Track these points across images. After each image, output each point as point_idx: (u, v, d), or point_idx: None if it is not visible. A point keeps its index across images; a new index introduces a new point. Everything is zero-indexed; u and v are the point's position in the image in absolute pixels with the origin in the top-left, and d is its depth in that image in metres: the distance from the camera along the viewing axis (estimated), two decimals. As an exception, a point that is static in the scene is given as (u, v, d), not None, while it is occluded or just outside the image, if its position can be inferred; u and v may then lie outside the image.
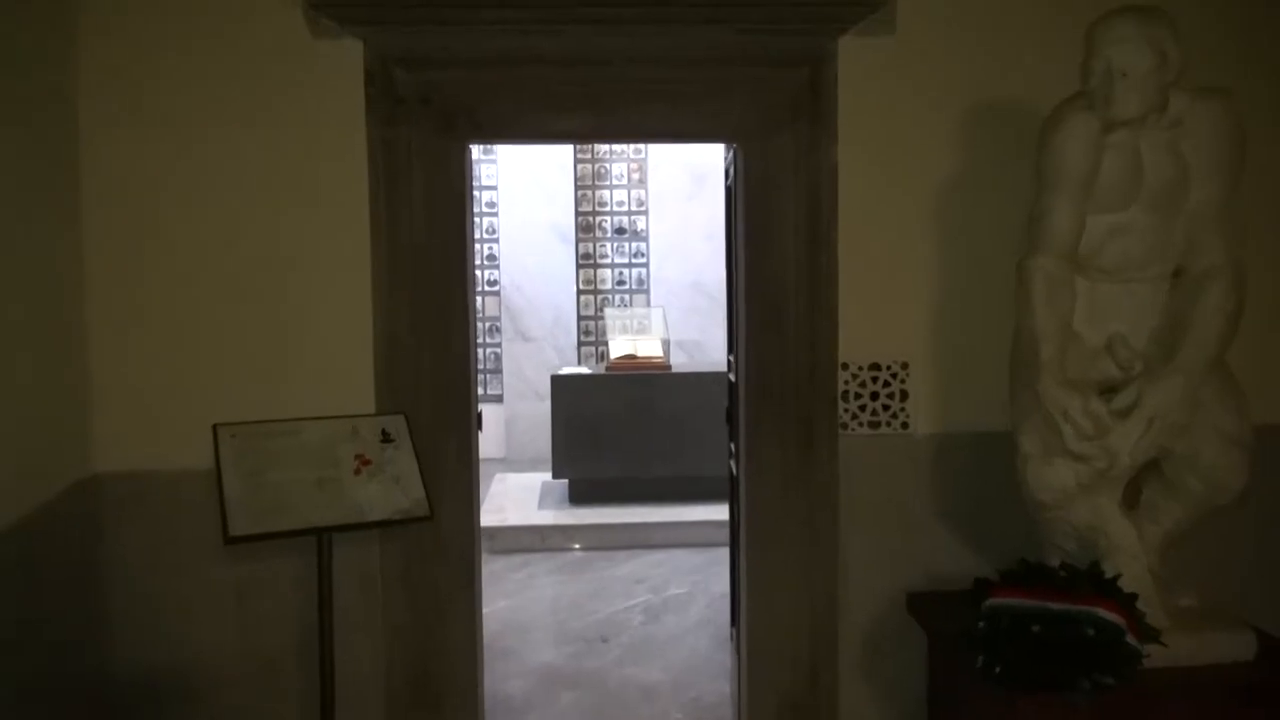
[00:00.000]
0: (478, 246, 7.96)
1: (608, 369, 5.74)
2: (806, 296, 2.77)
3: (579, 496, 5.70)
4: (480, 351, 8.09)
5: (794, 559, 2.83)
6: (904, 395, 2.78)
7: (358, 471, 2.20)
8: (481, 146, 7.95)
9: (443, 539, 2.73)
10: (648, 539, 5.31)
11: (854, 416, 2.77)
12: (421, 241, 2.70)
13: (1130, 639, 2.07)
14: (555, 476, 5.72)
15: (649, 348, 5.82)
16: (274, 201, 2.58)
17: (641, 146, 8.08)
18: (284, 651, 2.64)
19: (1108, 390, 2.25)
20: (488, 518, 5.45)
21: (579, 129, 3.05)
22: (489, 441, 8.08)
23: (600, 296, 8.12)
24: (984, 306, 2.71)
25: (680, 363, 6.62)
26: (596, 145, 8.08)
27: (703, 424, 5.59)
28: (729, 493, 3.54)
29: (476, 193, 7.99)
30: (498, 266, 8.00)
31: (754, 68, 2.72)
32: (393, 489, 2.20)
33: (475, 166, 8.12)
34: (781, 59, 2.71)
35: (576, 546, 5.30)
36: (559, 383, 5.63)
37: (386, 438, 2.30)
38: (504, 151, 7.83)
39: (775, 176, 2.78)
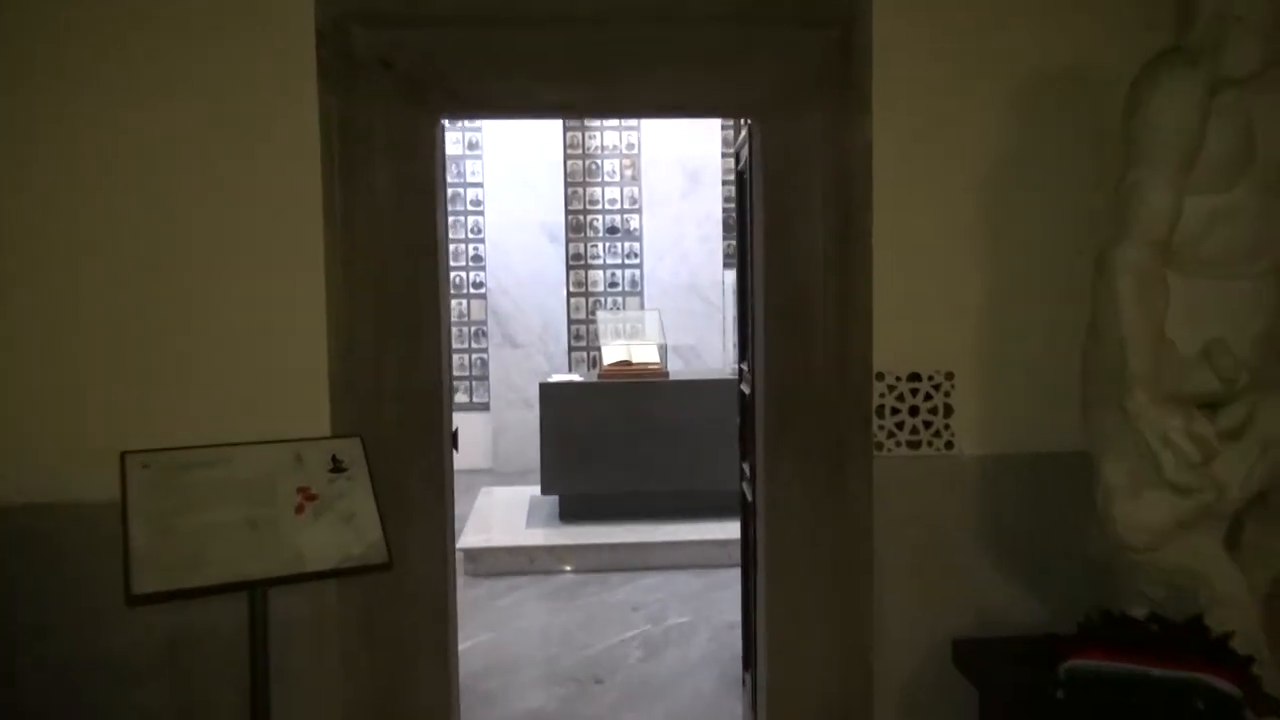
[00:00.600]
0: (462, 247, 7.57)
1: (600, 376, 5.34)
2: (835, 296, 2.38)
3: (570, 513, 5.30)
4: (465, 358, 7.69)
5: (820, 598, 2.44)
6: (948, 410, 2.39)
7: (300, 509, 1.80)
8: (467, 142, 7.55)
9: (411, 581, 2.33)
10: (644, 560, 4.91)
11: (890, 435, 2.38)
12: (386, 232, 2.30)
13: (1249, 715, 1.69)
14: (544, 492, 5.32)
15: (644, 354, 5.43)
16: (204, 184, 2.16)
17: (634, 141, 7.69)
18: (230, 713, 2.23)
19: (1205, 407, 1.87)
20: (471, 537, 5.05)
21: (570, 100, 2.64)
22: (475, 452, 7.69)
23: (592, 299, 7.72)
24: (1043, 307, 2.32)
25: (677, 369, 6.24)
26: (588, 141, 7.69)
27: (703, 436, 5.21)
28: (742, 518, 3.16)
29: (460, 190, 7.61)
30: (483, 268, 7.60)
31: (774, 27, 2.32)
32: (343, 531, 1.79)
33: (460, 163, 7.76)
34: (806, 17, 2.32)
35: (567, 569, 4.90)
36: (548, 392, 5.23)
37: (338, 466, 1.89)
38: (490, 145, 7.43)
39: (798, 156, 2.39)
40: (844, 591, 2.42)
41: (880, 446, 2.37)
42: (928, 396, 2.39)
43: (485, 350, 7.63)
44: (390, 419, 2.27)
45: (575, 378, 5.46)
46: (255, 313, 2.18)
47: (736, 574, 4.87)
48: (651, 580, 4.75)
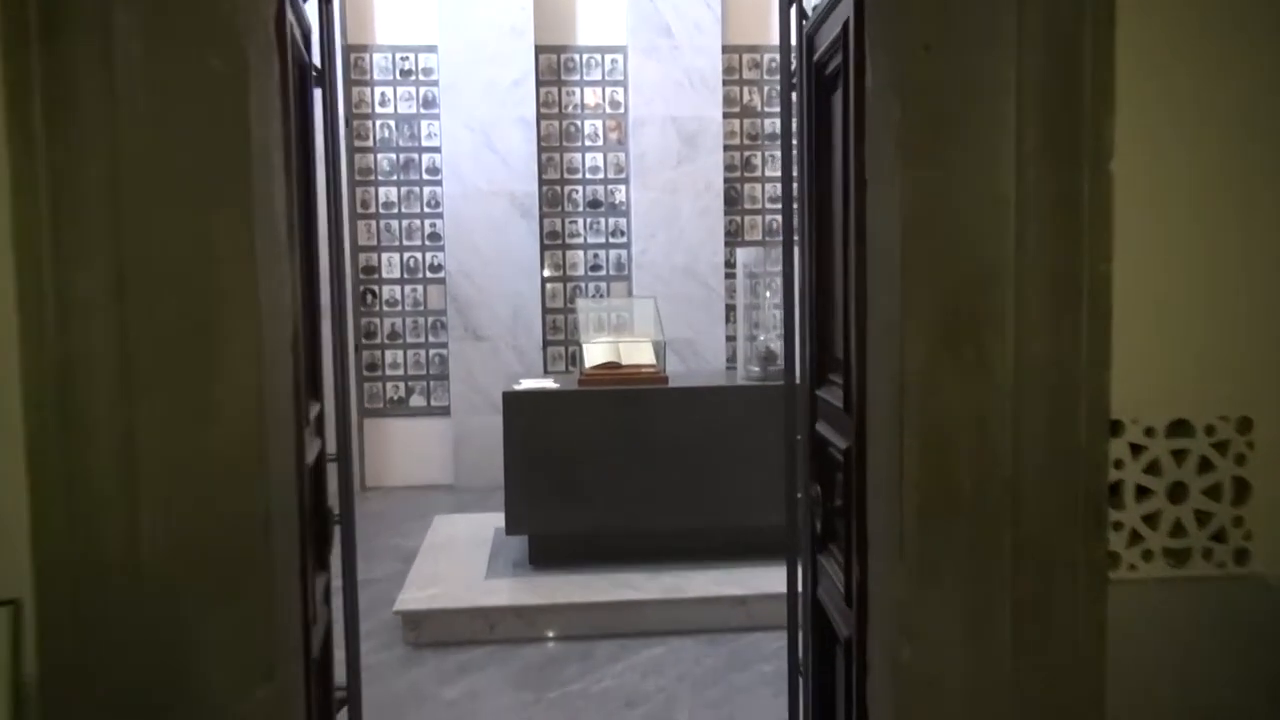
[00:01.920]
0: (417, 224, 6.39)
1: (580, 383, 4.20)
2: (1039, 286, 1.25)
3: (543, 558, 4.17)
4: (421, 354, 6.52)
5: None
6: (1241, 490, 1.28)
7: None
8: (421, 98, 6.37)
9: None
10: (640, 622, 3.80)
11: (1136, 539, 1.26)
12: (151, 146, 1.15)
13: None
14: (511, 532, 4.18)
15: (636, 353, 4.29)
16: None
17: (620, 97, 6.53)
18: None
19: None
20: (414, 594, 3.90)
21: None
22: (432, 466, 6.56)
23: (571, 285, 6.57)
24: None
25: (676, 372, 5.10)
26: (565, 98, 6.52)
27: (713, 458, 4.09)
28: (805, 642, 2.04)
29: (414, 156, 6.43)
30: (441, 248, 6.42)
31: None
32: None
33: (413, 123, 6.58)
34: None
35: (545, 635, 3.77)
36: (514, 404, 4.08)
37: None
38: (449, 103, 6.24)
39: (968, 22, 1.25)
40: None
41: (1118, 560, 1.26)
42: (1205, 466, 1.27)
43: (445, 345, 6.46)
44: (155, 533, 1.12)
45: (548, 384, 4.31)
46: None
47: (760, 643, 3.84)
48: (651, 653, 3.63)
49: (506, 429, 4.07)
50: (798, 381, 2.22)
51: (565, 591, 3.90)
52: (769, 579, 3.82)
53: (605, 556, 4.13)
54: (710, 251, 6.47)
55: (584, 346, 4.34)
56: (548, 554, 4.17)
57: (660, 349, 4.35)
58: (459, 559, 4.32)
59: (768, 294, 4.37)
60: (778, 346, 4.34)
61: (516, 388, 4.20)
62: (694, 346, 6.44)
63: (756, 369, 4.31)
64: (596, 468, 4.07)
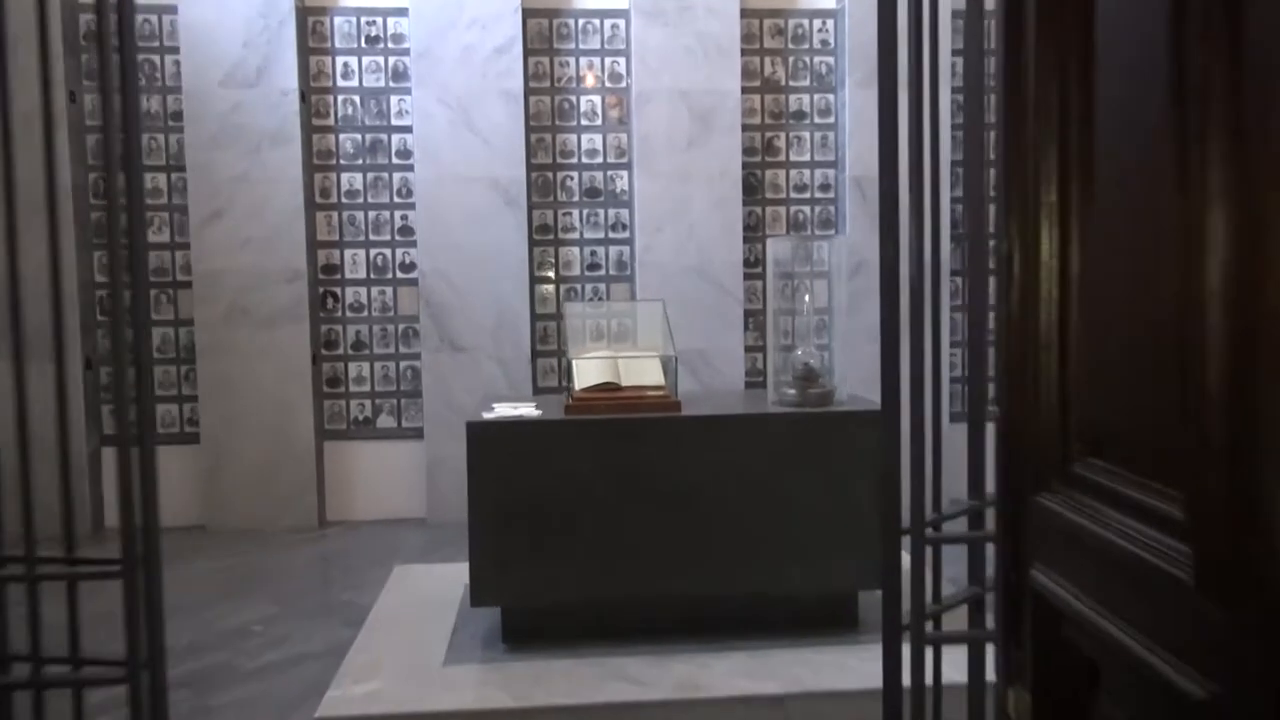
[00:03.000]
0: (386, 216, 5.51)
1: (568, 410, 3.28)
2: None
3: (520, 635, 3.25)
4: (390, 367, 5.61)
5: None
6: None
7: None
8: (391, 69, 5.48)
9: None
10: (643, 728, 2.88)
11: None
12: None
13: None
14: (477, 602, 3.25)
15: (640, 371, 3.38)
16: None
17: (622, 69, 5.62)
18: None
19: None
20: (346, 690, 2.98)
21: None
22: (400, 497, 5.63)
23: (565, 287, 5.66)
24: None
25: (686, 391, 4.19)
26: (559, 70, 5.61)
27: (737, 507, 3.17)
28: None
29: (382, 137, 5.54)
30: (413, 243, 5.51)
31: None
32: None
33: (381, 99, 5.64)
34: None
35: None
36: (482, 437, 3.16)
37: None
38: (421, 74, 5.34)
39: None
40: None
41: None
42: None
43: (417, 357, 5.55)
44: None
45: (529, 410, 3.38)
46: None
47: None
48: (656, 777, 2.72)
49: (472, 470, 3.15)
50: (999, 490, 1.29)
51: (546, 686, 2.98)
52: (812, 667, 2.90)
53: (599, 635, 3.21)
54: (726, 249, 5.55)
55: (574, 363, 3.42)
56: (526, 630, 3.25)
57: (670, 366, 3.44)
58: (413, 634, 3.40)
59: (806, 298, 3.45)
60: (818, 362, 3.41)
61: (487, 415, 3.28)
62: (707, 358, 5.52)
63: (792, 392, 3.39)
64: (588, 521, 3.16)
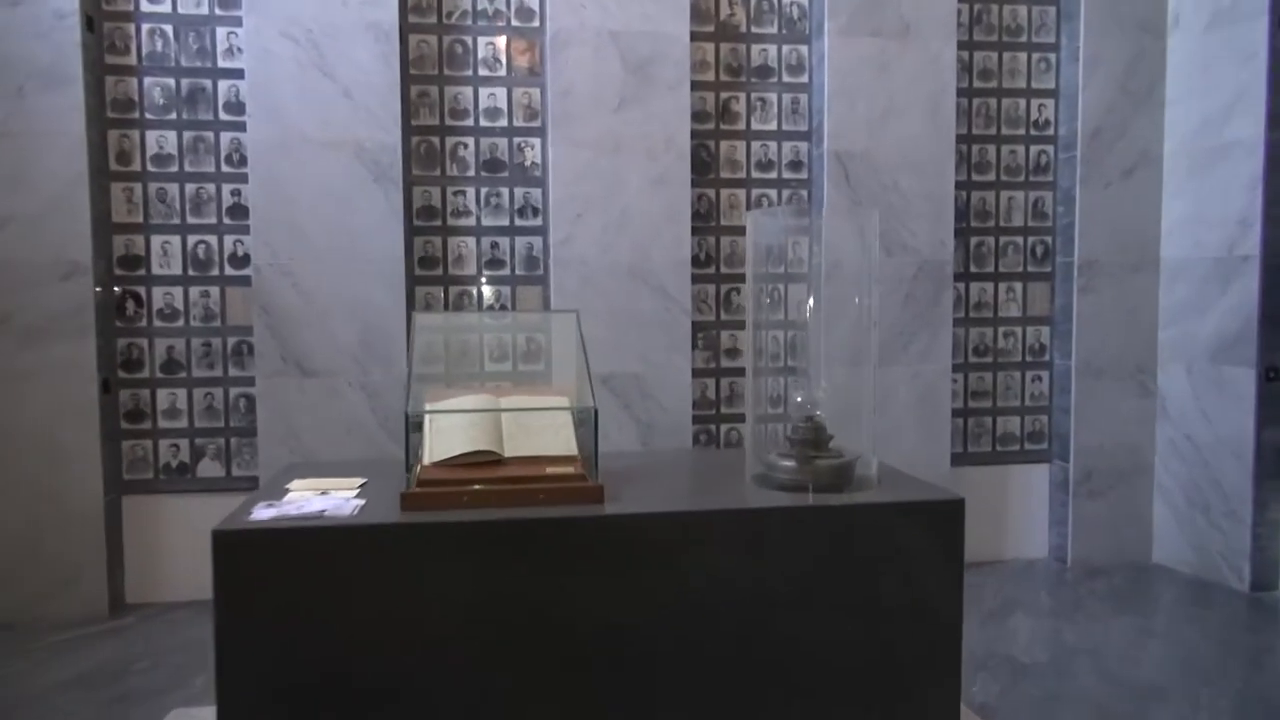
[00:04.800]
0: (208, 190, 4.08)
1: (406, 504, 1.88)
2: None
3: None
4: (217, 394, 4.15)
5: None
6: None
7: None
8: (206, -18, 4.04)
9: None
10: None
11: None
12: None
13: None
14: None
15: (537, 433, 2.01)
16: None
17: (534, 6, 4.26)
18: None
19: None
20: None
21: None
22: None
23: (456, 289, 4.27)
24: None
25: (613, 456, 2.81)
26: (448, 1, 4.23)
27: (705, 676, 1.83)
28: None
29: (203, 84, 4.09)
30: (246, 228, 4.06)
31: None
32: None
33: (201, 30, 3.87)
34: None
35: None
36: (238, 560, 1.75)
37: None
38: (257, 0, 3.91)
39: None
40: None
41: None
42: None
43: (252, 382, 4.10)
44: None
45: (343, 500, 1.98)
46: None
47: None
48: None
49: (221, 618, 1.74)
50: None
51: None
52: None
53: None
54: (670, 242, 4.22)
55: (426, 419, 2.03)
56: None
57: (584, 423, 2.07)
58: None
59: (809, 305, 2.14)
60: (825, 411, 2.09)
61: (259, 514, 1.87)
62: (643, 386, 4.18)
63: (789, 463, 2.06)
64: (440, 704, 1.78)
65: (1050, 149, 4.66)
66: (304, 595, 1.77)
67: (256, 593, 1.75)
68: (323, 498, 1.96)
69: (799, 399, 2.10)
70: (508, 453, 1.98)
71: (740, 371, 4.45)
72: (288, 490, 2.05)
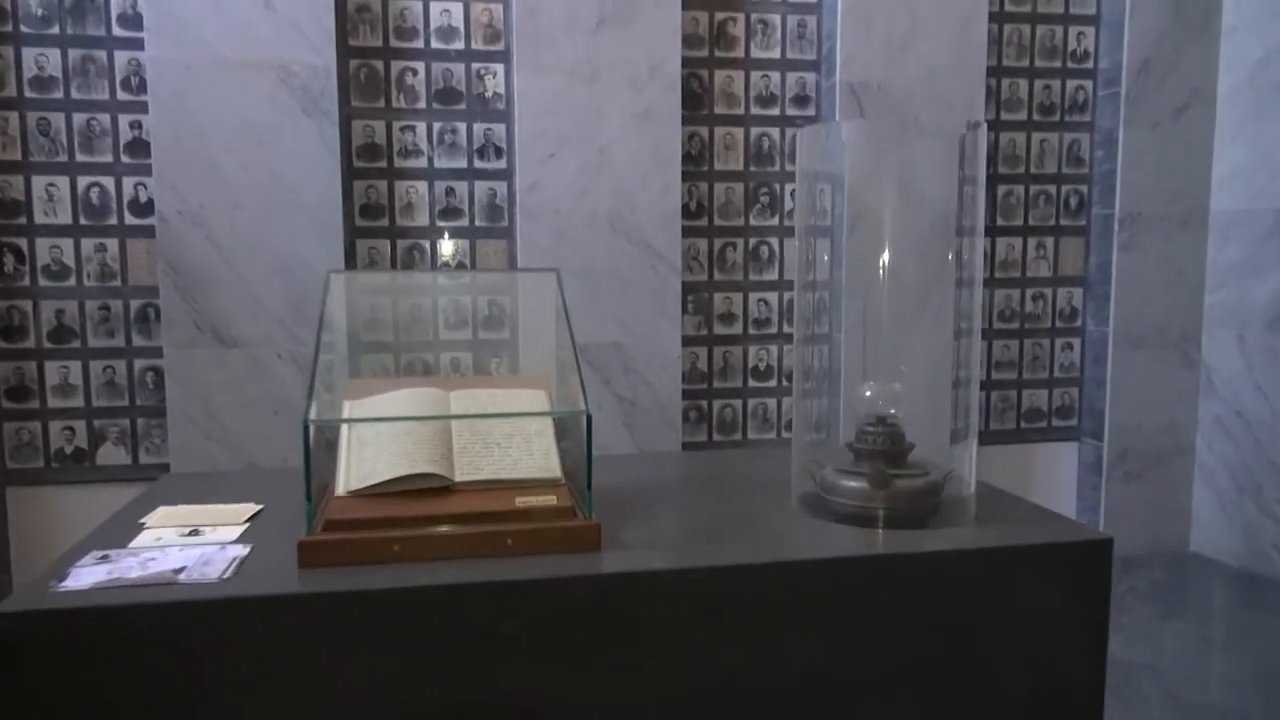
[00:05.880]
0: (100, 122, 3.39)
1: (306, 556, 1.29)
2: None
3: None
4: (117, 369, 3.49)
5: None
6: None
7: None
8: None
9: None
10: None
11: None
12: None
13: None
14: None
15: (507, 449, 1.42)
16: None
17: (495, -102, 3.57)
18: None
19: None
20: None
21: None
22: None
23: (407, 243, 3.62)
24: None
25: (612, 439, 2.20)
26: (391, -105, 3.53)
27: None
28: None
29: (79, -21, 3.36)
30: (149, 169, 3.37)
31: None
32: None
33: None
34: None
35: None
36: (28, 654, 1.16)
37: None
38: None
39: None
40: None
41: None
42: None
43: (159, 353, 3.44)
44: None
45: (204, 558, 1.38)
46: None
47: None
48: None
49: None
50: None
51: None
52: None
53: None
54: (657, 188, 3.59)
55: (344, 429, 1.42)
56: None
57: (577, 430, 1.48)
58: None
59: (884, 259, 1.55)
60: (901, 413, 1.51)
61: (69, 582, 1.25)
62: (626, 357, 3.58)
63: (855, 483, 1.47)
64: None
65: (1089, 84, 4.07)
66: (142, 712, 1.15)
67: (64, 713, 1.14)
68: (187, 542, 1.34)
69: (867, 393, 1.51)
70: (460, 476, 1.37)
71: (735, 340, 3.86)
72: (143, 526, 1.43)
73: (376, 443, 1.39)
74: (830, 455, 1.58)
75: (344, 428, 1.41)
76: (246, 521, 1.45)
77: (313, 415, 1.28)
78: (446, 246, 3.64)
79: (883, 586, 1.33)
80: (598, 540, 1.32)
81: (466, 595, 1.22)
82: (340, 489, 1.34)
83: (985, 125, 1.54)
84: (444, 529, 1.29)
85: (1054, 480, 4.21)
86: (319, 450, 1.37)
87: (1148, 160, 3.95)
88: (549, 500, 1.34)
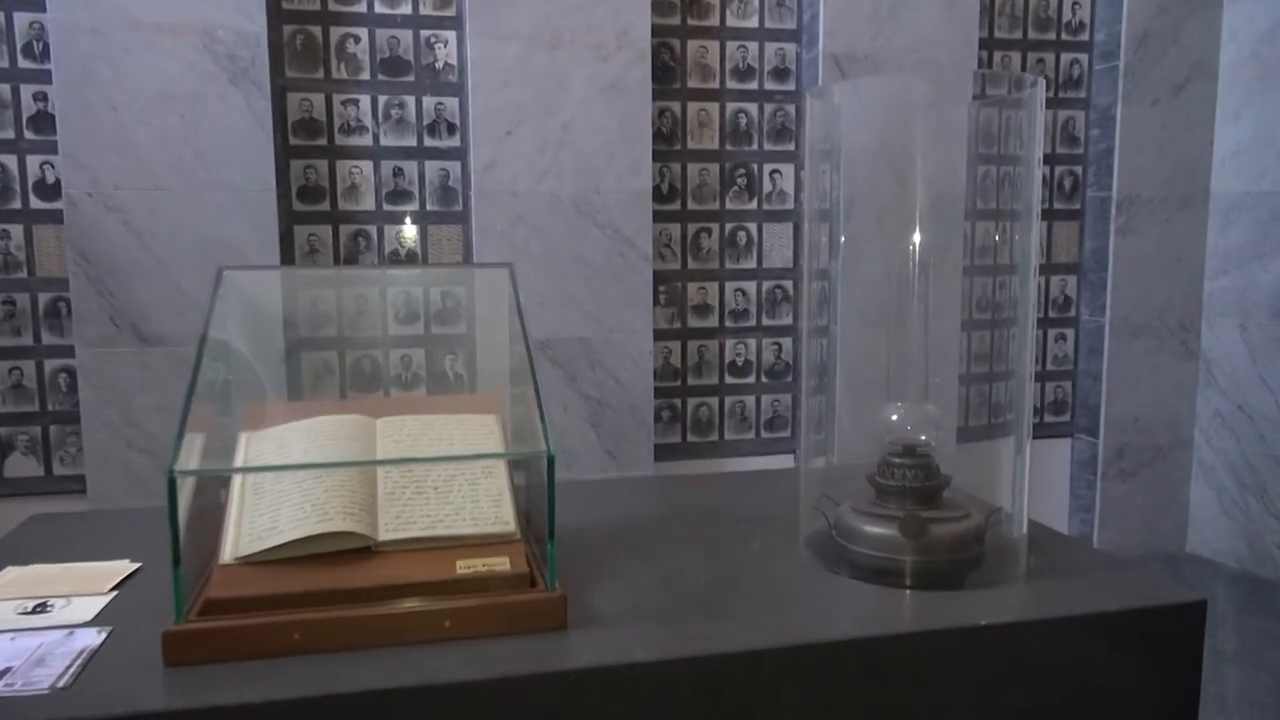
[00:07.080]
0: (1, 92, 2.97)
1: (172, 651, 0.98)
2: None
3: None
4: (25, 370, 3.13)
5: None
6: None
7: None
8: None
9: None
10: None
11: None
12: None
13: None
14: None
15: (448, 492, 1.13)
16: None
17: None
18: None
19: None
20: None
21: None
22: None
23: (350, 229, 3.29)
24: None
25: (563, 484, 1.91)
26: None
27: None
28: None
29: (-34, -71, 2.95)
30: (54, 146, 3.00)
31: None
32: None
33: None
34: None
35: None
36: None
37: None
38: None
39: None
40: None
41: None
42: None
43: (72, 352, 3.09)
44: None
45: (42, 652, 1.08)
46: None
47: None
48: None
49: None
50: None
51: None
52: None
53: None
54: (626, 167, 3.28)
55: (235, 482, 1.11)
56: None
57: (536, 472, 1.18)
58: None
59: (916, 238, 1.27)
60: (934, 441, 1.23)
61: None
62: (593, 353, 3.28)
63: (881, 529, 1.19)
64: None
65: (1084, 58, 3.82)
66: None
67: None
68: (27, 624, 1.03)
69: (894, 416, 1.22)
70: (384, 535, 1.07)
71: (710, 334, 3.58)
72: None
73: (276, 489, 1.08)
74: (842, 481, 1.30)
75: (240, 479, 1.10)
76: (113, 590, 1.13)
77: (179, 464, 0.97)
78: (409, 231, 3.31)
79: (926, 668, 1.05)
80: (563, 617, 1.03)
81: (391, 704, 0.92)
82: (226, 555, 1.03)
83: (1043, 83, 1.26)
84: (362, 609, 0.99)
85: (1046, 479, 3.98)
86: (200, 503, 1.06)
87: (1146, 139, 3.71)
88: (500, 564, 1.05)
